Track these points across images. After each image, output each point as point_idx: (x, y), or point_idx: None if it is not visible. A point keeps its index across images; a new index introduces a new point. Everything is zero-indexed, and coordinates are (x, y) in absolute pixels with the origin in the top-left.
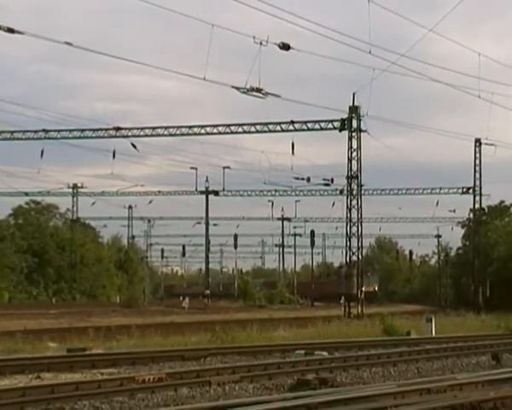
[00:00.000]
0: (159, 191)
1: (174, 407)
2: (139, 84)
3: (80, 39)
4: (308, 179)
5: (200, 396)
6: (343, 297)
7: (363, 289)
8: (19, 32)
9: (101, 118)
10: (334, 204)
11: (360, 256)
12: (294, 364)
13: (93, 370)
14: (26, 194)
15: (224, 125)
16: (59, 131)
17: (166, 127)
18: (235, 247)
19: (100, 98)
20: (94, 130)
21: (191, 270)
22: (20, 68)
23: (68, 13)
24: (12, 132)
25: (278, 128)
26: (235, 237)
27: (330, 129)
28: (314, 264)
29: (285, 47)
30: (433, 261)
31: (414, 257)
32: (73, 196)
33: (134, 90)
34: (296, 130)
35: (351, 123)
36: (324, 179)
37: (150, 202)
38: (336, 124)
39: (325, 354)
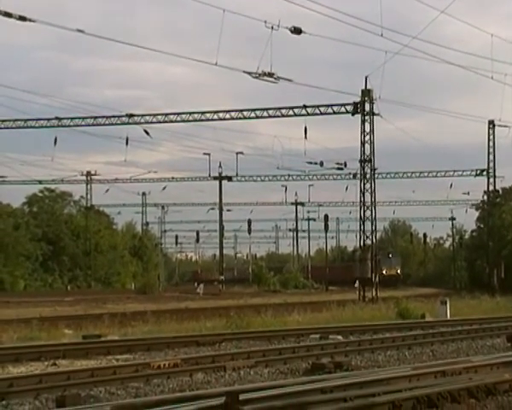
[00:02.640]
0: (172, 178)
1: (190, 392)
2: (150, 70)
3: (91, 26)
4: (321, 164)
5: (216, 381)
6: (357, 281)
7: (385, 272)
8: (30, 20)
9: (112, 105)
10: (347, 188)
11: (374, 240)
12: (309, 348)
13: (108, 356)
14: (40, 182)
15: (236, 111)
16: (72, 118)
17: (179, 113)
18: (249, 232)
19: (111, 85)
20: (107, 117)
21: (205, 256)
22: (30, 56)
23: (78, 0)
24: (25, 121)
25: (291, 113)
26: (249, 222)
27: (343, 113)
28: (328, 248)
29: (296, 31)
30: (447, 244)
31: (428, 240)
32: (87, 184)
33: (145, 76)
34: (309, 114)
35: (363, 106)
36: (337, 163)
37: (164, 188)
38: (349, 108)
39: (340, 337)
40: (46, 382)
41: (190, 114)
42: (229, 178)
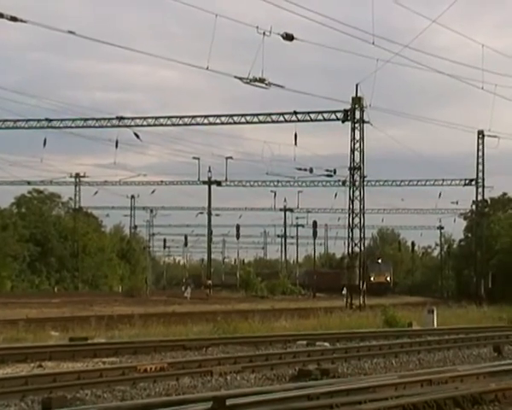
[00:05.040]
0: (161, 181)
1: (176, 396)
2: (140, 73)
3: (81, 28)
4: (311, 170)
5: (202, 386)
6: (345, 288)
7: (372, 279)
8: (22, 21)
9: (102, 107)
10: (336, 195)
11: (362, 247)
12: (296, 354)
13: (95, 359)
14: (29, 183)
15: (226, 116)
16: (62, 120)
17: (169, 117)
18: (238, 237)
19: (100, 87)
20: (97, 119)
21: (193, 260)
22: (20, 56)
23: (68, 1)
24: (15, 121)
25: (281, 119)
26: (238, 227)
27: (333, 120)
28: (316, 255)
29: (288, 37)
30: (435, 253)
31: (416, 248)
32: (76, 186)
33: (135, 79)
34: (299, 120)
35: (354, 114)
36: (327, 170)
37: (153, 191)
38: (339, 115)
39: (327, 344)
40: (32, 383)
41: (180, 117)
42: (219, 183)
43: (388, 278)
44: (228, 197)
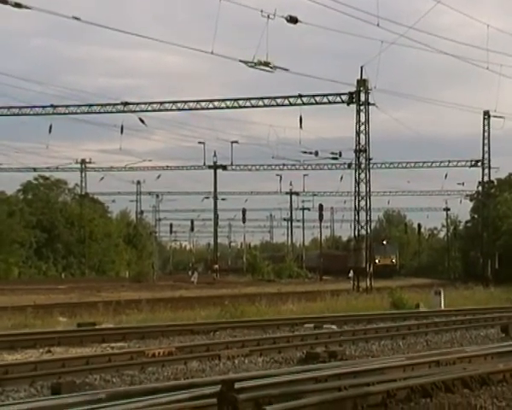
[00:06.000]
0: (167, 166)
1: (184, 380)
2: (145, 58)
3: (86, 14)
4: (316, 153)
5: (210, 370)
6: (352, 271)
7: (378, 261)
8: (26, 7)
9: (107, 93)
10: (342, 178)
11: (369, 230)
12: (303, 337)
13: (103, 344)
14: (35, 169)
15: (231, 100)
16: (67, 106)
17: (174, 102)
18: (244, 221)
19: (105, 73)
20: (102, 105)
21: (199, 245)
22: (25, 43)
23: None
24: (20, 108)
25: (286, 102)
26: (244, 211)
27: (338, 103)
28: (322, 238)
29: (292, 20)
30: (441, 235)
31: (422, 230)
32: (82, 172)
33: (139, 64)
34: (304, 104)
35: (359, 96)
36: (332, 153)
37: (158, 176)
38: (344, 97)
39: (334, 327)
40: (41, 369)
41: (185, 102)
42: (224, 167)
43: (394, 260)
44: (234, 182)
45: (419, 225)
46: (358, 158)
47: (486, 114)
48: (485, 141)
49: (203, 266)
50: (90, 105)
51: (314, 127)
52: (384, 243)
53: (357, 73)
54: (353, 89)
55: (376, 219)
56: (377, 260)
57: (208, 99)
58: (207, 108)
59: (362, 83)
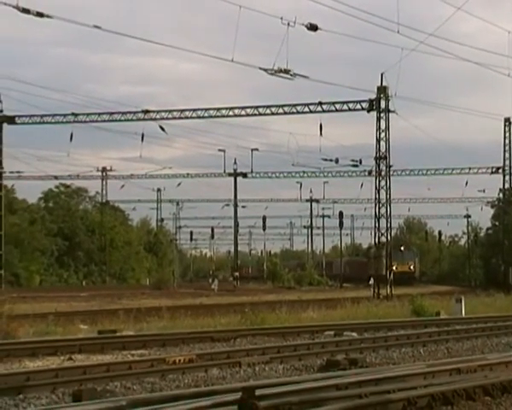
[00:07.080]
0: (187, 174)
1: (205, 387)
2: (165, 66)
3: (105, 22)
4: (336, 161)
5: (231, 377)
6: (372, 278)
7: (395, 268)
8: (48, 16)
9: (127, 101)
10: (362, 185)
11: (389, 237)
12: (324, 345)
13: (124, 351)
14: (56, 177)
15: (251, 107)
16: (88, 114)
17: (194, 110)
18: (264, 229)
19: (125, 81)
20: (122, 113)
21: (220, 252)
22: (46, 52)
23: None
24: (41, 116)
25: (306, 109)
26: (264, 218)
27: (358, 110)
28: (343, 245)
29: (313, 28)
30: (462, 242)
31: (443, 238)
32: (102, 180)
33: (159, 72)
34: (324, 111)
35: (379, 103)
36: (352, 160)
37: (179, 184)
38: (364, 104)
39: (354, 334)
40: (62, 376)
41: (206, 110)
42: (244, 175)
43: (412, 267)
44: (254, 189)
45: (439, 233)
46: (379, 165)
47: (507, 121)
48: (506, 148)
49: (224, 273)
50: (111, 113)
51: (334, 134)
52: (402, 249)
53: (377, 80)
54: (373, 96)
55: (397, 226)
56: (394, 267)
57: (228, 106)
58: (228, 116)
59: (382, 90)
